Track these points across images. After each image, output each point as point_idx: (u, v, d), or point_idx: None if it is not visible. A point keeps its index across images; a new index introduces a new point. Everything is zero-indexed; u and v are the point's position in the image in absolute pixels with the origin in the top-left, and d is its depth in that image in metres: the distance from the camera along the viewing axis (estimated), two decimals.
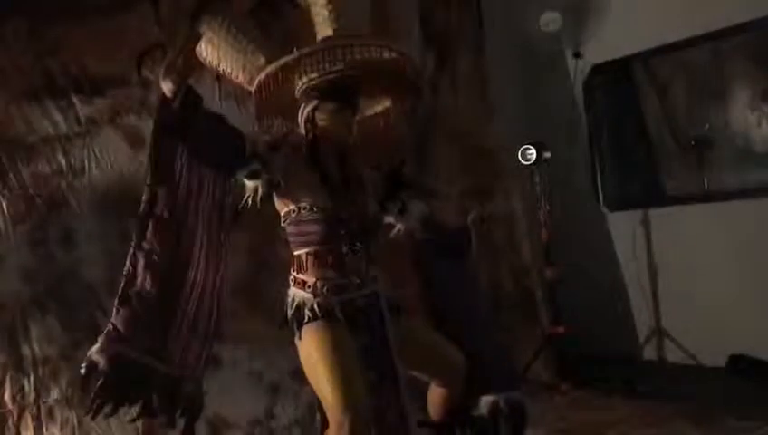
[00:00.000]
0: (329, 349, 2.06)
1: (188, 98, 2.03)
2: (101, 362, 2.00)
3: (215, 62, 2.16)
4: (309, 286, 2.12)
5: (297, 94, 2.15)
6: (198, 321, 2.15)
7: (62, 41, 2.87)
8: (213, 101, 2.25)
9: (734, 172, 4.18)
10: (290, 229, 2.16)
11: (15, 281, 2.61)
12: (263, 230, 3.16)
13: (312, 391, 2.11)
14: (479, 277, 2.50)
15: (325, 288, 2.11)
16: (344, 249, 2.13)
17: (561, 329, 3.86)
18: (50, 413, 2.59)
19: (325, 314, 2.09)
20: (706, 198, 4.09)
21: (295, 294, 2.15)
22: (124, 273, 2.04)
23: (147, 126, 2.92)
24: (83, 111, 2.89)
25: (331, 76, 2.05)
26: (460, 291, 2.43)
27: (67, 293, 2.71)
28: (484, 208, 3.86)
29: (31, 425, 2.55)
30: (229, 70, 2.17)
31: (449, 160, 3.91)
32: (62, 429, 2.58)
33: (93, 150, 2.86)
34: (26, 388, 2.58)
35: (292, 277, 2.17)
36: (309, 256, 2.13)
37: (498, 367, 2.37)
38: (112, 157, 2.85)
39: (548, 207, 3.92)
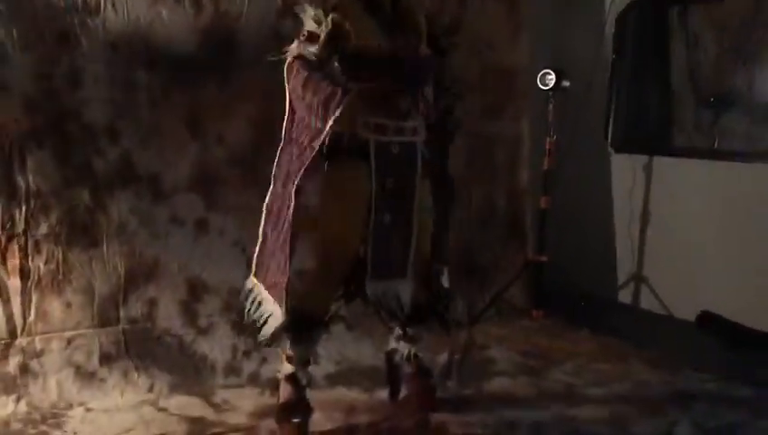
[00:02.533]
0: (346, 190, 2.24)
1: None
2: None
3: None
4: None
5: None
6: None
7: None
8: None
9: (745, 135, 4.15)
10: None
11: (17, 109, 2.59)
12: (267, 103, 3.16)
13: None
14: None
15: (364, 125, 2.18)
16: (391, 89, 2.20)
17: (543, 258, 3.91)
18: (36, 246, 2.63)
19: (356, 152, 2.21)
20: (713, 155, 4.07)
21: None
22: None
23: None
24: None
25: None
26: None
27: (67, 131, 2.70)
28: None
29: (17, 254, 2.59)
30: None
31: (466, 73, 3.84)
32: (47, 262, 2.63)
33: None
34: (16, 217, 2.61)
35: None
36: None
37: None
38: (130, 1, 2.78)
39: (555, 137, 3.89)
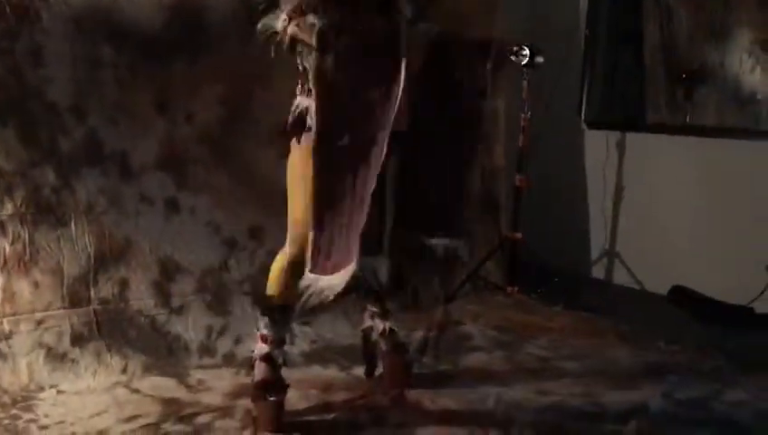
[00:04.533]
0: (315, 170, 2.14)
1: None
2: None
3: None
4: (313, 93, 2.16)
5: None
6: None
7: None
8: None
9: (716, 111, 4.20)
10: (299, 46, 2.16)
11: None
12: (238, 82, 3.11)
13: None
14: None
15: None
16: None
17: (518, 235, 3.92)
18: (2, 227, 2.57)
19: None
20: (684, 130, 4.11)
21: (301, 101, 2.22)
22: None
23: None
24: None
25: None
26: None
27: (30, 109, 2.63)
28: None
29: None
30: None
31: None
32: (13, 243, 2.57)
33: None
34: None
35: (298, 87, 2.23)
36: None
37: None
38: None
39: (529, 114, 3.89)
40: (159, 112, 2.95)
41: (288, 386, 2.31)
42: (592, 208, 4.43)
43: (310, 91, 2.20)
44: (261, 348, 2.30)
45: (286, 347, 2.86)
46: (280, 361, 2.30)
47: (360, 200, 2.08)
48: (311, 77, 2.11)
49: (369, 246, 2.34)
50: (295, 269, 2.27)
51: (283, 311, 2.31)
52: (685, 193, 4.00)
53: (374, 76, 2.13)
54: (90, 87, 2.78)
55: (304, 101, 2.23)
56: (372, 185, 2.07)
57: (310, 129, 2.20)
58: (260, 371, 2.30)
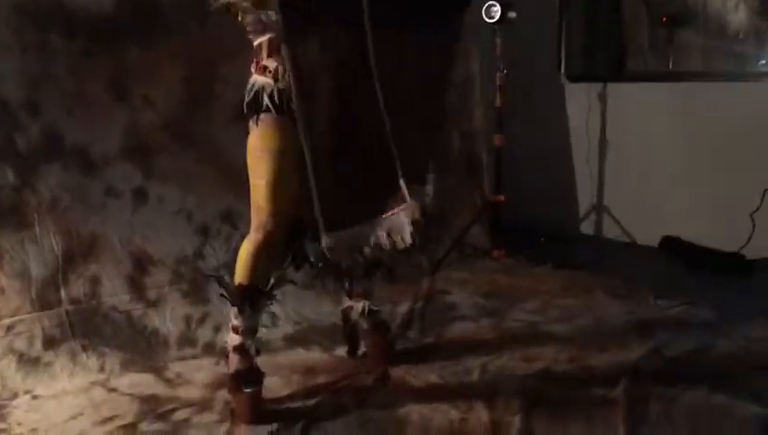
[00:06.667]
0: (275, 151, 2.12)
1: None
2: None
3: None
4: (270, 72, 2.12)
5: None
6: None
7: None
8: None
9: (699, 54, 4.10)
10: (249, 18, 2.12)
11: None
12: (200, 62, 3.01)
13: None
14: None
15: (287, 74, 2.06)
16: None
17: (501, 197, 3.84)
18: None
19: (283, 107, 2.09)
20: (668, 77, 4.01)
21: (256, 80, 2.16)
22: None
23: None
24: None
25: None
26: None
27: None
28: None
29: None
30: None
31: None
32: None
33: None
34: None
35: (253, 64, 2.16)
36: (271, 43, 2.11)
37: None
38: None
39: (505, 71, 3.78)
40: (118, 100, 2.85)
41: (264, 376, 2.26)
42: (578, 164, 4.35)
43: (264, 68, 2.15)
44: (233, 339, 2.24)
45: (268, 331, 2.85)
46: (252, 351, 2.23)
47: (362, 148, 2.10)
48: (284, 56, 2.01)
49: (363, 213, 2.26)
50: (263, 254, 2.21)
51: (254, 299, 2.24)
52: (671, 142, 3.91)
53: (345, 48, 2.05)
54: (42, 79, 2.68)
55: (259, 80, 2.16)
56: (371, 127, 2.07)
57: (267, 109, 2.14)
58: (234, 362, 2.24)
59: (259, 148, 2.15)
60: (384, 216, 2.16)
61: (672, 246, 3.89)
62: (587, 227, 4.34)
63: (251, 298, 2.21)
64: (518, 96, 3.93)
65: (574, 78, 4.32)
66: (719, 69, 3.92)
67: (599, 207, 4.26)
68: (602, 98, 4.16)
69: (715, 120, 3.70)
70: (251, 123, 2.17)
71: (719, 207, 3.67)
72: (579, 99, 4.25)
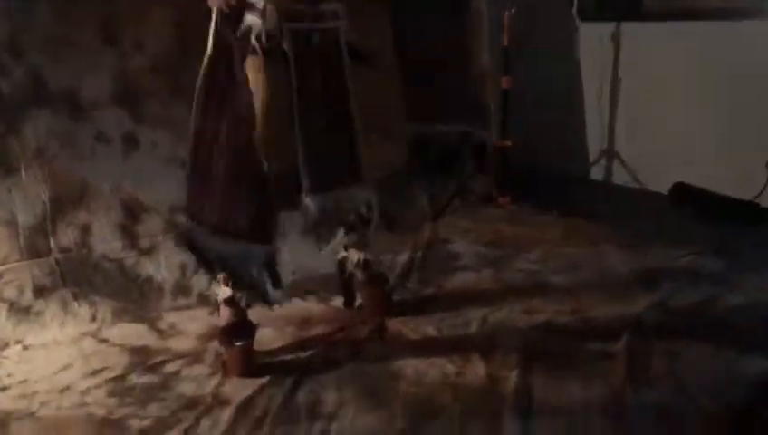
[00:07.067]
0: (263, 97, 2.03)
1: None
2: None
3: None
4: (258, 10, 2.02)
5: None
6: None
7: None
8: None
9: None
10: None
11: None
12: (191, 5, 2.86)
13: None
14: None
15: (275, 12, 1.98)
16: None
17: (508, 142, 3.72)
18: None
19: (271, 48, 2.01)
20: (686, 15, 3.80)
21: (245, 18, 2.05)
22: None
23: None
24: None
25: None
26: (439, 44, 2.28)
27: None
28: None
29: None
30: None
31: None
32: None
33: None
34: None
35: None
36: None
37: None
38: None
39: (513, 10, 3.60)
40: (107, 44, 2.73)
41: (255, 328, 2.21)
42: (588, 107, 4.19)
43: (251, 5, 2.03)
44: (223, 291, 2.18)
45: None
46: (243, 303, 2.18)
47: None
48: None
49: (340, 179, 2.20)
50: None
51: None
52: (685, 85, 3.75)
53: None
54: (24, 20, 2.56)
55: (248, 18, 2.05)
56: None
57: (254, 50, 2.04)
58: (224, 314, 2.19)
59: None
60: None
61: (683, 194, 3.77)
62: (596, 173, 4.22)
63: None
64: (527, 36, 3.75)
65: (587, 16, 4.13)
66: (741, 5, 3.71)
67: (609, 153, 4.12)
68: (616, 38, 3.98)
69: (735, 62, 3.52)
70: (237, 67, 2.06)
71: (734, 153, 3.53)
72: (592, 39, 4.06)
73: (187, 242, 2.13)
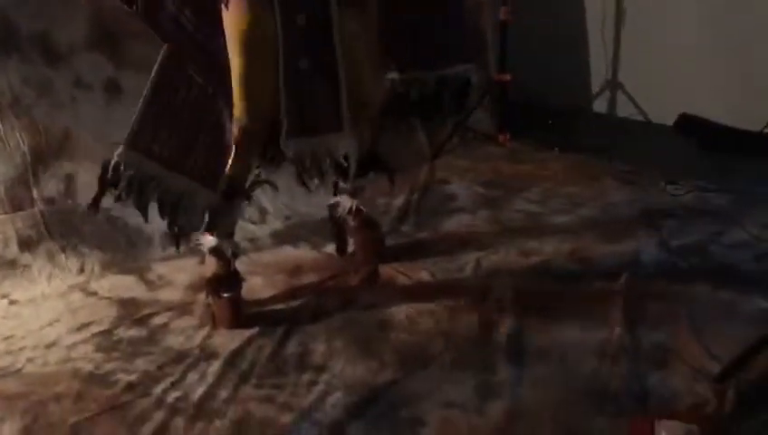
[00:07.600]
0: (246, 39, 1.92)
1: None
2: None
3: None
4: None
5: None
6: None
7: None
8: None
9: None
10: None
11: None
12: None
13: None
14: None
15: None
16: None
17: (507, 76, 3.58)
18: None
19: None
20: None
21: None
22: None
23: None
24: None
25: None
26: None
27: None
28: None
29: None
30: None
31: None
32: None
33: None
34: None
35: None
36: None
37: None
38: None
39: None
40: None
41: (243, 279, 2.16)
42: (591, 37, 4.03)
43: None
44: (208, 241, 2.12)
45: (256, 228, 2.73)
46: (229, 253, 2.12)
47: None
48: None
49: (322, 124, 2.10)
50: (238, 151, 2.05)
51: (230, 196, 2.10)
52: (691, 12, 3.58)
53: None
54: None
55: None
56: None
57: None
58: (210, 265, 2.14)
59: (229, 35, 1.94)
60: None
61: (689, 125, 3.65)
62: (599, 106, 4.08)
63: (226, 198, 2.07)
64: None
65: None
66: None
67: (613, 84, 3.98)
68: None
69: None
70: (221, 4, 1.94)
71: (743, 83, 3.39)
72: None
73: (135, 173, 1.97)
